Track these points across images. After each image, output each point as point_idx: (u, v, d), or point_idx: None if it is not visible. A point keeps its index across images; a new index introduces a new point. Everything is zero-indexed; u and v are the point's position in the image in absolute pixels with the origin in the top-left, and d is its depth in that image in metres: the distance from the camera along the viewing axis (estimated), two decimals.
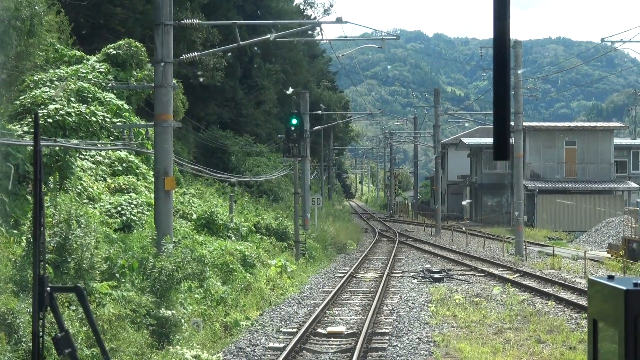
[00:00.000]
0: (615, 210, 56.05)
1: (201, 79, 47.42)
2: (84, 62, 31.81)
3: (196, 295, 18.25)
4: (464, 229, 55.72)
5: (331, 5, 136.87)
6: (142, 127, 25.85)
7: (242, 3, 58.53)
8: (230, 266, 22.53)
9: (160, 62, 18.58)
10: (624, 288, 3.22)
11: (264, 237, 33.09)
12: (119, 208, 23.10)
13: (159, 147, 18.76)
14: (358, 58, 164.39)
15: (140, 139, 26.58)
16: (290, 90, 64.45)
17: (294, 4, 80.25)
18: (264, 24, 46.58)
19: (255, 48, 60.70)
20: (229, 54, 51.23)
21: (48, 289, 3.76)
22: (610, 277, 3.47)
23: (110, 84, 27.24)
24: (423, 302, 23.48)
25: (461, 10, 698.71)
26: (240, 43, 20.52)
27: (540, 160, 63.52)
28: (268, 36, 21.84)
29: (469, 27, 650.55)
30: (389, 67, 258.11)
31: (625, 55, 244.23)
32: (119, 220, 22.50)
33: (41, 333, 3.75)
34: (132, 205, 23.38)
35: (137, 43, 33.16)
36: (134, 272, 16.08)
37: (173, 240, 18.40)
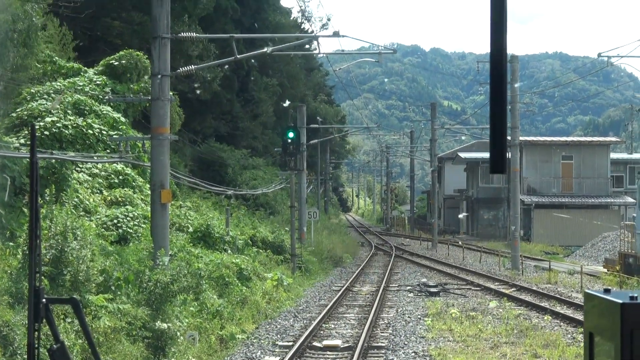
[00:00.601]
0: (611, 225, 56.06)
1: (198, 92, 47.46)
2: (81, 74, 31.83)
3: (192, 309, 18.21)
4: (460, 243, 55.68)
5: (328, 19, 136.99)
6: (139, 139, 25.80)
7: (240, 16, 58.61)
8: (226, 279, 22.49)
9: (157, 75, 18.58)
10: (620, 301, 3.22)
11: (260, 250, 33.03)
12: (115, 221, 23.08)
13: (156, 160, 18.76)
14: (355, 72, 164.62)
15: (136, 152, 26.56)
16: (287, 103, 64.59)
17: (292, 18, 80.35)
18: (261, 37, 46.57)
19: (253, 61, 60.77)
20: (226, 67, 51.30)
21: (44, 300, 3.75)
22: (607, 291, 3.47)
23: (107, 97, 27.26)
24: (419, 316, 23.44)
25: (458, 24, 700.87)
26: (238, 56, 20.56)
27: (537, 175, 63.56)
28: (265, 49, 21.85)
29: (465, 41, 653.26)
30: (385, 80, 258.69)
31: (621, 70, 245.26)
32: (115, 232, 22.48)
33: (36, 345, 3.73)
34: (128, 218, 23.37)
35: (138, 52, 33.20)
36: (130, 285, 16.05)
37: (169, 253, 18.37)
